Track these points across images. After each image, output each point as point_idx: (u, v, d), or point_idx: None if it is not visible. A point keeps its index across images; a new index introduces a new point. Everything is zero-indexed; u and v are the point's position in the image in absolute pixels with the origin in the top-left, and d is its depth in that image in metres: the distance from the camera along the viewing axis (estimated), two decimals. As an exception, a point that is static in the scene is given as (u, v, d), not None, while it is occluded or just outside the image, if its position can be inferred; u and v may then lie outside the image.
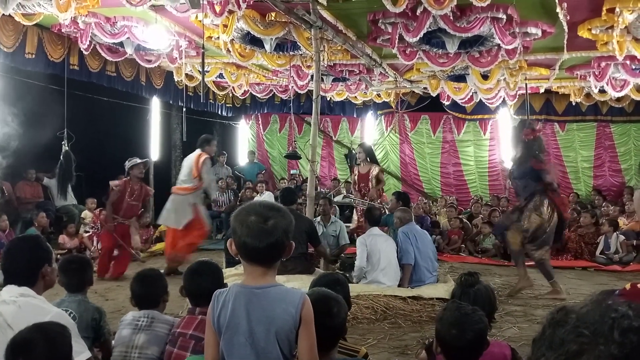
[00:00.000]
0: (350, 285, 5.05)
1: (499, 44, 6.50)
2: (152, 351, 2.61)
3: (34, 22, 6.39)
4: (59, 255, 5.18)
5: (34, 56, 7.33)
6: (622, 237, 7.98)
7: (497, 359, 2.36)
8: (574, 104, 10.88)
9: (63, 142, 7.65)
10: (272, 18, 6.33)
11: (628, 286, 2.23)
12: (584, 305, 0.79)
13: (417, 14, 5.82)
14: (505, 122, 12.44)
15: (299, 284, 4.71)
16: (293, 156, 11.07)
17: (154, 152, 11.05)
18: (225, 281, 2.72)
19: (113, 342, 2.80)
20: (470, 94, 9.87)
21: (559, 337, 0.76)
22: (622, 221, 8.86)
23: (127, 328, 2.70)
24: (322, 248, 6.14)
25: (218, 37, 6.74)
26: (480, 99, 10.18)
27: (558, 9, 5.55)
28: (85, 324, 2.86)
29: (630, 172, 11.98)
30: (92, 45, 7.18)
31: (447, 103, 11.08)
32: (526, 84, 8.16)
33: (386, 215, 6.89)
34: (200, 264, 2.79)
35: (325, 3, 5.78)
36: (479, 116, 12.38)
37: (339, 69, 8.64)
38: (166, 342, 2.62)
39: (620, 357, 0.71)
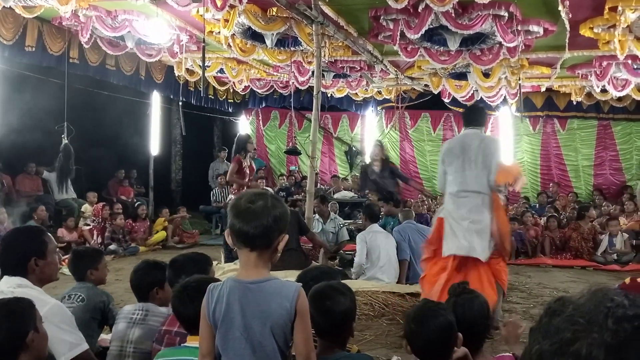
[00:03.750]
0: (349, 281, 5.10)
1: (500, 42, 6.48)
2: (146, 345, 2.60)
3: (35, 15, 6.36)
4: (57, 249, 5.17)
5: (33, 49, 7.30)
6: (626, 236, 7.93)
7: None
8: (574, 103, 10.86)
9: (62, 136, 7.63)
10: (274, 13, 6.31)
11: (627, 280, 2.24)
12: (582, 296, 0.80)
13: (419, 10, 5.81)
14: (506, 119, 12.43)
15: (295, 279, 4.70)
16: (293, 152, 11.05)
17: (154, 146, 11.04)
18: (224, 277, 2.69)
19: (110, 335, 2.81)
20: (472, 92, 9.86)
21: (555, 326, 0.77)
22: (622, 221, 8.85)
23: (122, 321, 2.71)
24: (313, 235, 6.16)
25: (219, 32, 6.72)
26: (481, 97, 10.17)
27: (560, 7, 5.53)
28: (93, 305, 2.94)
29: (631, 171, 11.96)
30: (93, 38, 7.16)
31: (448, 101, 11.05)
32: (520, 85, 8.17)
33: (383, 219, 6.88)
34: (185, 258, 2.74)
35: (326, -1, 5.77)
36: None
37: (340, 65, 8.62)
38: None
39: (613, 344, 0.71)
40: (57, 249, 2.57)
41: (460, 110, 12.30)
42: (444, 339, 2.06)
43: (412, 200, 10.28)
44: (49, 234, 2.52)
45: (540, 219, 8.99)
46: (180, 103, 7.35)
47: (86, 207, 8.63)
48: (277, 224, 1.76)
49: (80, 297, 2.90)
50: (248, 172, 6.93)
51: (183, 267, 2.61)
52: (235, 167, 6.85)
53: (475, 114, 4.55)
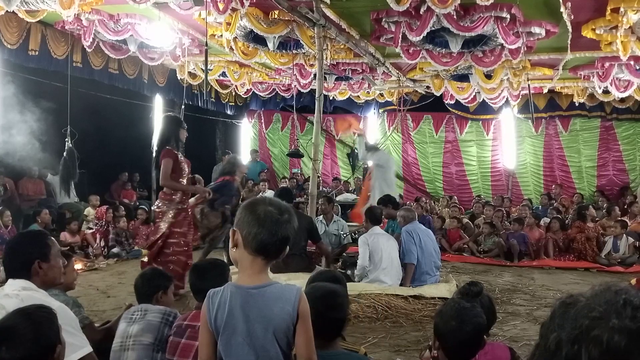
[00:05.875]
0: (352, 284, 5.09)
1: (502, 44, 6.48)
2: (146, 338, 2.69)
3: (38, 19, 6.39)
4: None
5: (37, 53, 7.34)
6: (631, 239, 7.90)
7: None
8: (577, 104, 10.84)
9: (66, 139, 7.64)
10: (275, 16, 6.32)
11: (633, 281, 2.25)
12: (592, 292, 0.84)
13: (421, 12, 5.82)
14: (508, 122, 12.42)
15: (299, 282, 4.69)
16: (295, 154, 11.07)
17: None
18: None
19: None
20: (474, 93, 9.86)
21: (571, 316, 0.80)
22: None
23: (122, 322, 2.82)
24: (322, 245, 6.15)
25: (221, 35, 6.74)
26: (483, 100, 10.16)
27: (562, 9, 5.53)
28: None
29: (634, 172, 11.91)
30: (95, 42, 7.18)
31: (450, 102, 11.05)
32: (529, 85, 8.18)
33: (387, 223, 6.86)
34: (207, 263, 2.91)
35: (328, 1, 5.78)
36: (482, 116, 12.35)
37: (342, 68, 8.63)
38: (161, 330, 2.70)
39: (634, 329, 0.75)
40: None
41: (462, 114, 12.33)
42: (478, 340, 2.12)
43: (413, 204, 10.28)
44: (53, 237, 2.51)
45: (542, 221, 8.98)
46: (182, 106, 7.46)
47: (89, 210, 8.65)
48: (293, 233, 1.79)
49: None
50: (186, 168, 5.28)
51: (205, 271, 2.77)
52: (170, 165, 4.94)
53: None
